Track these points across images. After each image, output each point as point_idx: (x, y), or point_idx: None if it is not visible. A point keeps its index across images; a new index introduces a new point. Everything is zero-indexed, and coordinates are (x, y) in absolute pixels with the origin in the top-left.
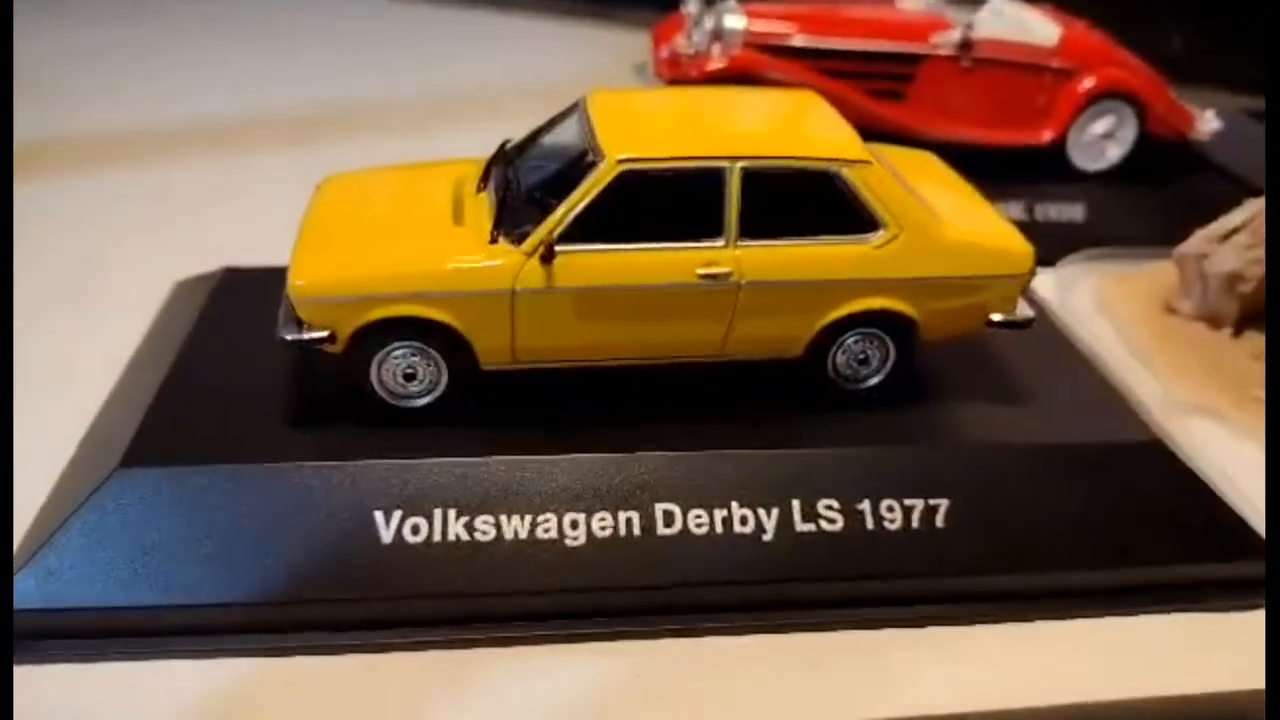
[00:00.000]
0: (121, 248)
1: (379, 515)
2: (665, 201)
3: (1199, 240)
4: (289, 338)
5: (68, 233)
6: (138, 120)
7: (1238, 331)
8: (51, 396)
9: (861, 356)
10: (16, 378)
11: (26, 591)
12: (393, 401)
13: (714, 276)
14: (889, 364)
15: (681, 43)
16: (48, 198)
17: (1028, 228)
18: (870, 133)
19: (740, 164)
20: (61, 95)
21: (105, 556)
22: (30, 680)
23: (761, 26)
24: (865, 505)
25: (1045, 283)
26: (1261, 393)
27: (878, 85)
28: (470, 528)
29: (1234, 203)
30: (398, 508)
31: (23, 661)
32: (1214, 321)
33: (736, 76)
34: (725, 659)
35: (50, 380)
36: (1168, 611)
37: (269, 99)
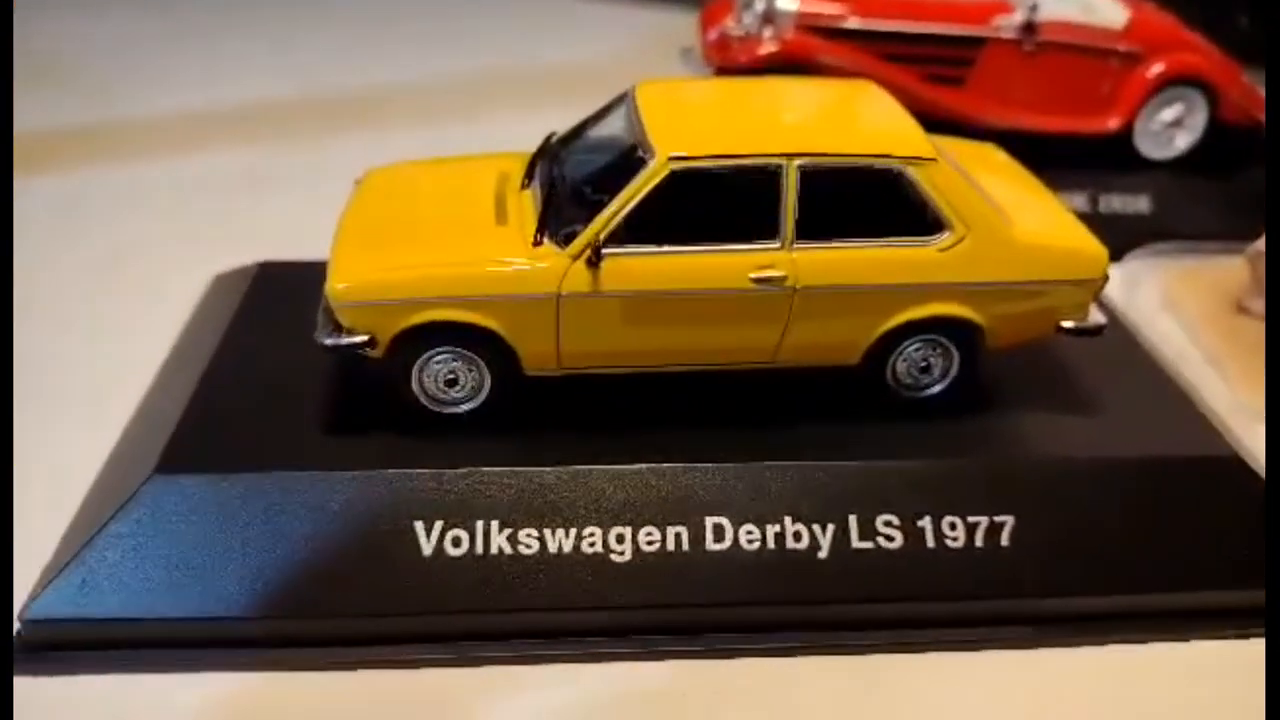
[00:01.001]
0: (160, 240)
1: (419, 526)
2: (718, 201)
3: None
4: (328, 343)
5: (106, 225)
6: (176, 111)
7: None
8: (89, 395)
9: (923, 364)
10: (53, 376)
11: (59, 601)
12: (434, 408)
13: (768, 280)
14: (952, 372)
15: (731, 25)
16: (86, 190)
17: (1091, 220)
18: (927, 121)
19: (797, 162)
20: (99, 87)
21: (140, 566)
22: (61, 692)
23: (814, 8)
24: (926, 522)
25: (1110, 279)
26: None
27: (936, 70)
28: (513, 540)
29: None
30: (439, 518)
31: (55, 673)
32: None
33: (788, 60)
34: (776, 681)
35: (88, 378)
36: (1250, 638)
37: (303, 87)
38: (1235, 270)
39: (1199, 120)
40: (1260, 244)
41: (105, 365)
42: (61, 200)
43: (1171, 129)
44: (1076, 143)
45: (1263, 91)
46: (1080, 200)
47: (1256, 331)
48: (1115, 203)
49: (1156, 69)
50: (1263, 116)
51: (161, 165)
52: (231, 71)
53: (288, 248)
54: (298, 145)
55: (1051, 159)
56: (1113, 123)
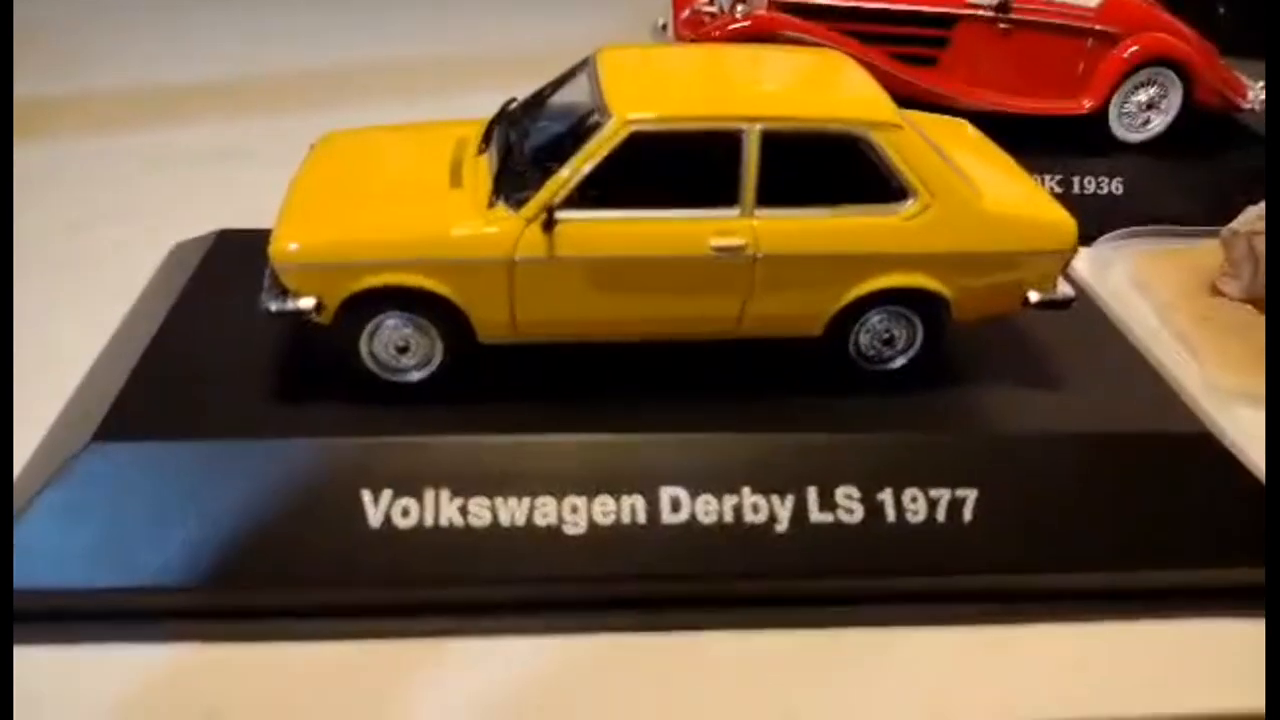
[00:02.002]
0: (125, 210)
1: (366, 495)
2: (677, 166)
3: (1251, 217)
4: (273, 307)
5: (69, 194)
6: (141, 80)
7: None
8: (42, 364)
9: (886, 336)
10: (11, 345)
11: None
12: (384, 375)
13: (728, 249)
14: (916, 344)
15: (703, 2)
16: (49, 158)
17: (1064, 201)
18: (900, 100)
19: (759, 126)
20: (63, 55)
21: (74, 535)
22: None
23: None
24: (887, 495)
25: (1081, 260)
26: None
27: (909, 49)
28: (464, 511)
29: None
30: (386, 488)
31: None
32: (1262, 304)
33: (760, 37)
34: (732, 655)
35: (42, 345)
36: (1211, 617)
37: (274, 60)
38: (1209, 253)
39: (1174, 102)
40: (1235, 224)
41: (56, 337)
42: (27, 169)
43: (1146, 111)
44: (1050, 124)
45: (1240, 76)
46: (1053, 182)
47: (1229, 313)
48: (1089, 184)
49: (1132, 50)
50: (1238, 100)
51: (129, 136)
52: (201, 44)
53: (254, 219)
54: (267, 118)
55: (1025, 140)
56: (1087, 103)
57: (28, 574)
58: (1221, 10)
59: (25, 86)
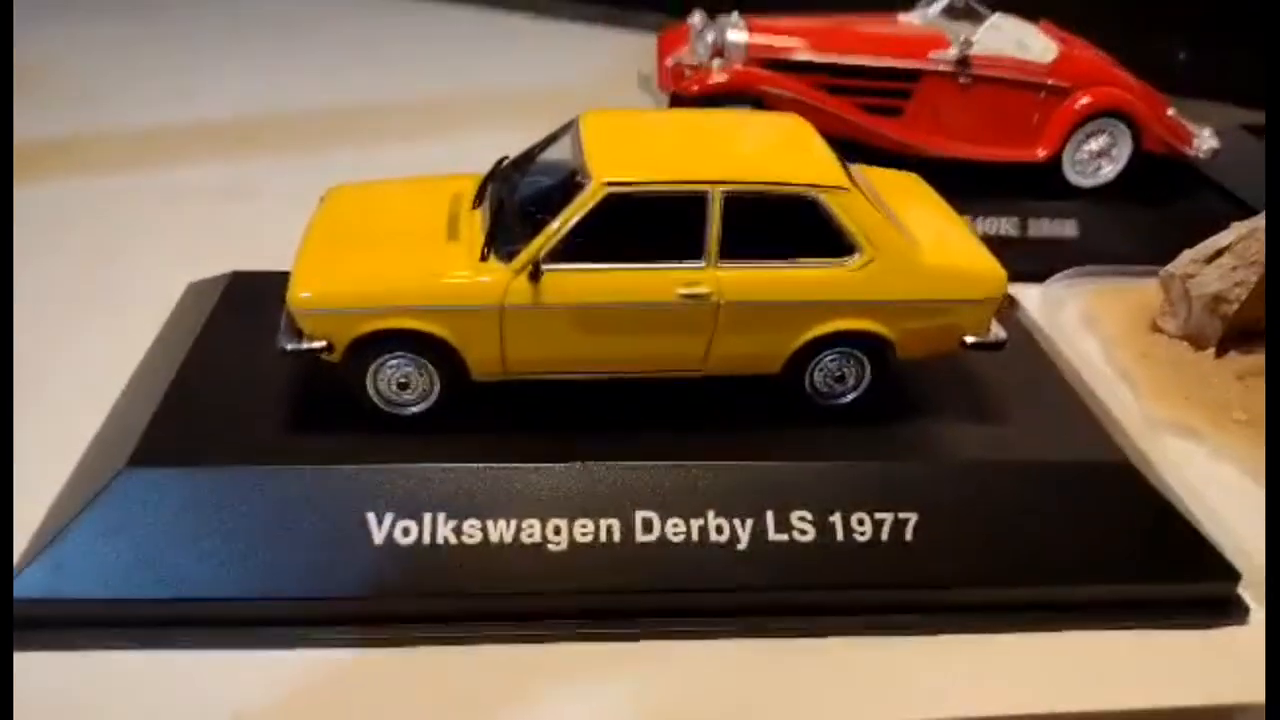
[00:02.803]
0: (136, 249)
1: (371, 517)
2: (649, 223)
3: (1185, 260)
4: (288, 347)
5: (83, 232)
6: (152, 123)
7: (1220, 352)
8: (65, 395)
9: (838, 374)
10: (31, 374)
11: (35, 582)
12: (387, 409)
13: (694, 296)
14: (865, 382)
15: (685, 55)
16: (63, 197)
17: (1020, 243)
18: (866, 148)
19: (721, 188)
20: (77, 94)
21: (111, 551)
22: (34, 666)
23: (763, 41)
24: (836, 518)
25: (1034, 298)
26: (1242, 414)
27: (876, 101)
28: (458, 531)
29: (1225, 223)
30: (390, 510)
31: (28, 648)
32: (1198, 342)
33: (737, 90)
34: (699, 661)
35: (64, 378)
36: (1130, 628)
37: (281, 103)
38: (1152, 292)
39: (1124, 151)
40: (1172, 267)
41: (81, 367)
42: (40, 208)
43: (1097, 158)
44: (1008, 170)
45: (1188, 124)
46: (1010, 224)
47: (1166, 349)
48: (1044, 227)
49: (1083, 102)
50: (1183, 148)
51: (137, 176)
52: (208, 86)
53: (259, 259)
54: (271, 159)
55: (984, 186)
56: (1042, 152)
57: (71, 585)
58: (1181, 56)
59: (37, 128)
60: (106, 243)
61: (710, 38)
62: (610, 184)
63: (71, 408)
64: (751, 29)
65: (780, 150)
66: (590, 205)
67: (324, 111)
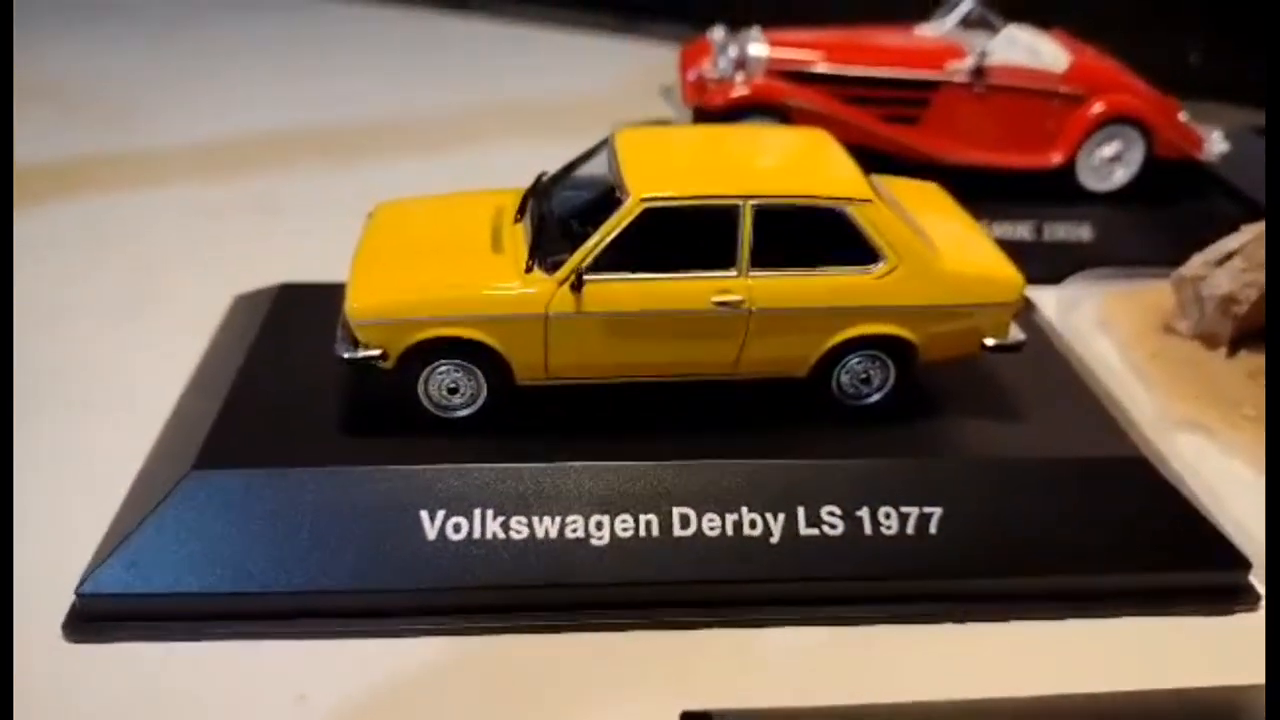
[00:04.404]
0: (177, 263)
1: (424, 515)
2: (684, 235)
3: (1196, 263)
4: (346, 355)
5: (129, 248)
6: (191, 141)
7: (1232, 352)
8: (119, 403)
9: (864, 376)
10: (84, 386)
11: (110, 579)
12: (437, 412)
13: (727, 303)
14: (889, 383)
15: (707, 68)
16: (110, 212)
17: (1036, 247)
18: (885, 157)
19: (752, 202)
20: (124, 109)
21: (179, 549)
22: (110, 658)
23: (784, 54)
24: (864, 512)
25: (1050, 300)
26: (1252, 411)
27: (894, 111)
28: (505, 527)
29: (1235, 225)
30: (441, 508)
31: (105, 640)
32: (1210, 342)
33: (759, 103)
34: (733, 649)
35: (118, 388)
36: (1145, 615)
37: (314, 119)
38: (1164, 294)
39: (1136, 156)
40: (1184, 270)
41: (133, 376)
42: (87, 223)
43: (1111, 164)
44: (1023, 177)
45: (1198, 128)
46: (1026, 229)
47: (1179, 349)
48: (1059, 231)
49: (1096, 109)
50: (1195, 152)
51: (176, 191)
52: (242, 104)
53: (297, 272)
54: (306, 174)
55: (1000, 192)
56: (1056, 158)
57: (144, 581)
58: (1193, 59)
59: (85, 146)
60: (149, 258)
61: (732, 52)
62: (647, 199)
63: (128, 416)
64: (772, 42)
65: (806, 163)
66: (628, 220)
67: (352, 126)
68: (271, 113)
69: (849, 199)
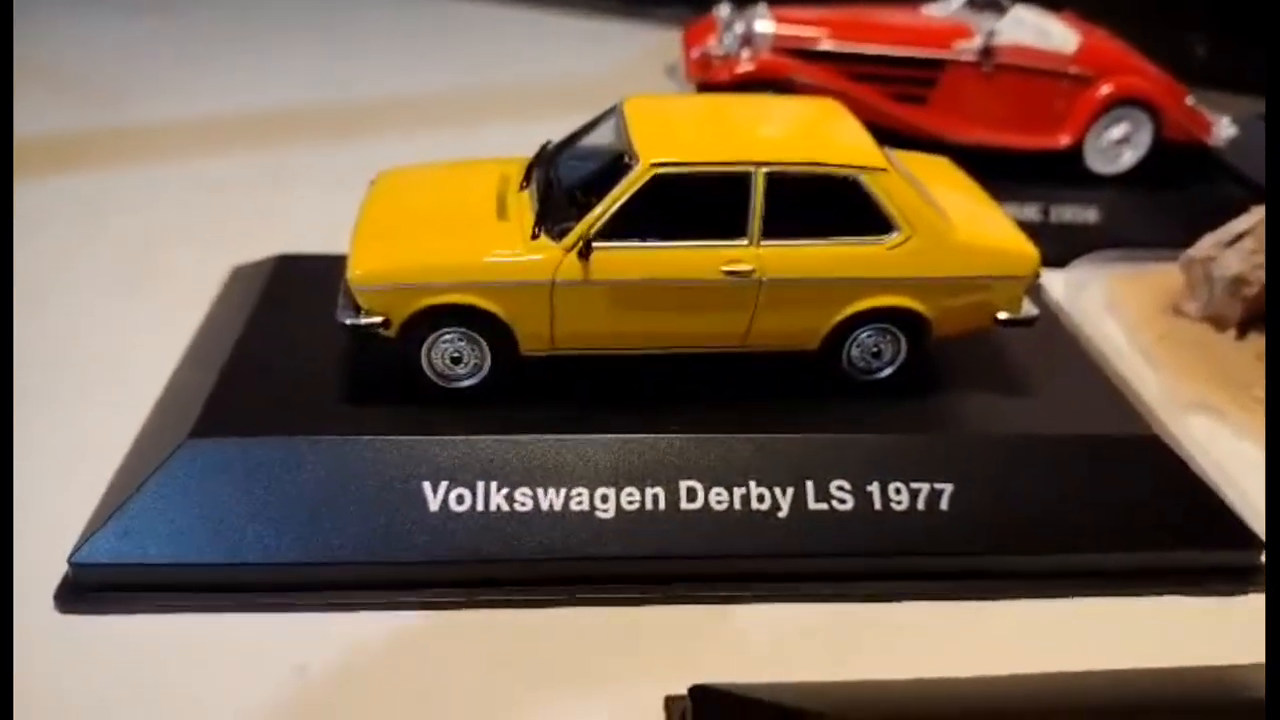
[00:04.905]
0: (178, 235)
1: (427, 486)
2: (694, 203)
3: (1206, 245)
4: (348, 322)
5: (128, 221)
6: (188, 117)
7: (1241, 334)
8: (115, 375)
9: (875, 350)
10: (81, 359)
11: (103, 548)
12: (440, 382)
13: (737, 273)
14: (900, 357)
15: (712, 45)
16: (108, 188)
17: (1043, 229)
18: (892, 136)
19: (764, 169)
20: (120, 87)
21: (175, 518)
22: (103, 628)
23: (790, 31)
24: (874, 488)
25: (1057, 282)
26: (1262, 393)
27: (901, 89)
28: (510, 499)
29: (1244, 208)
30: (444, 479)
31: (97, 611)
32: (1218, 323)
33: (764, 79)
34: (739, 624)
35: (115, 359)
36: (1155, 594)
37: (312, 94)
38: (1172, 276)
39: (1144, 138)
40: (1193, 251)
41: (131, 350)
42: (84, 199)
43: (1119, 146)
44: (1031, 158)
45: (1207, 113)
46: (1033, 211)
47: (1188, 331)
48: (1066, 213)
49: (1105, 90)
50: (1203, 136)
51: (174, 167)
52: (240, 80)
53: (295, 243)
54: (305, 149)
55: (1007, 173)
56: (1064, 140)
57: (135, 550)
58: (1200, 49)
59: (79, 122)
60: (147, 231)
61: (738, 28)
62: (657, 165)
63: (124, 390)
64: (778, 19)
65: (819, 132)
66: (638, 185)
67: (352, 106)
68: (273, 91)
69: (863, 167)
